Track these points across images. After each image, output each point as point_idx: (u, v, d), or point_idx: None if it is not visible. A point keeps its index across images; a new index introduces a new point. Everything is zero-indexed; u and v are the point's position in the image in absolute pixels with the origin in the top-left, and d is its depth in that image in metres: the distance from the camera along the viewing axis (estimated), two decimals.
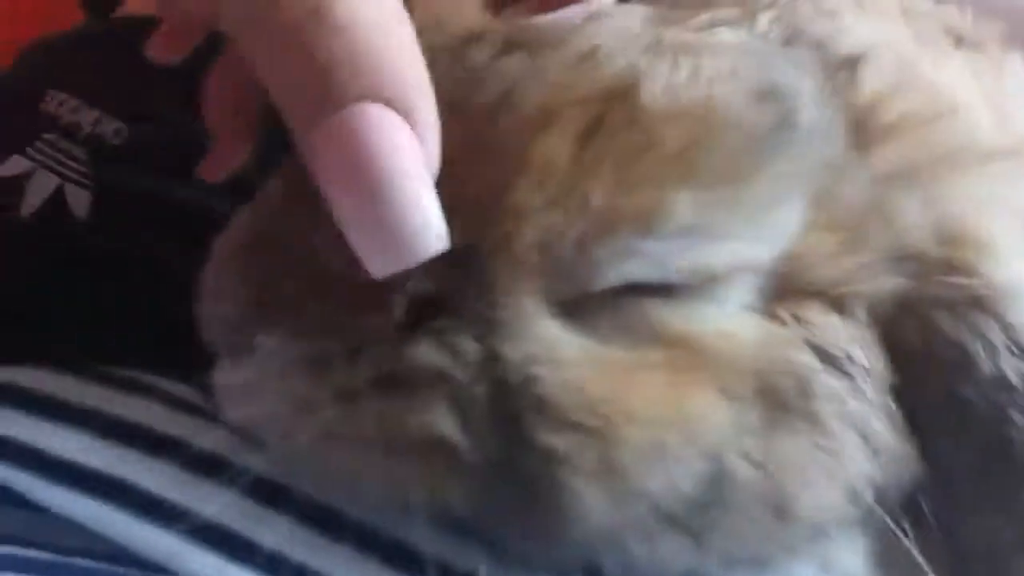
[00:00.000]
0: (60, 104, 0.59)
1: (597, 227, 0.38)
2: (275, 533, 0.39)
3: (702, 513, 0.38)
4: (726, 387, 0.39)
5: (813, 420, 0.39)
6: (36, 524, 0.40)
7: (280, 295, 0.39)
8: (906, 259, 0.42)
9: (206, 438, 0.41)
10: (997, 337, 0.41)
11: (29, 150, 0.58)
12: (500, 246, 0.38)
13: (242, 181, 0.47)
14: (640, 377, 0.38)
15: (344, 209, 0.34)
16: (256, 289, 0.39)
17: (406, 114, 0.34)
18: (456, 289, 0.38)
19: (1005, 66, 0.52)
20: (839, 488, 0.40)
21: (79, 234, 0.56)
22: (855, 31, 0.46)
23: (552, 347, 0.38)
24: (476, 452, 0.38)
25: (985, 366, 0.41)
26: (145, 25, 0.63)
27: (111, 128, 0.58)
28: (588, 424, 0.37)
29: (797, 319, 0.41)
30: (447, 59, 0.42)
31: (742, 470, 0.38)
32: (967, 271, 0.41)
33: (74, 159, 0.58)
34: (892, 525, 0.42)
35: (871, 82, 0.44)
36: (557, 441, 0.37)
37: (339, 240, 0.37)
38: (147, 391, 0.44)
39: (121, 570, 0.39)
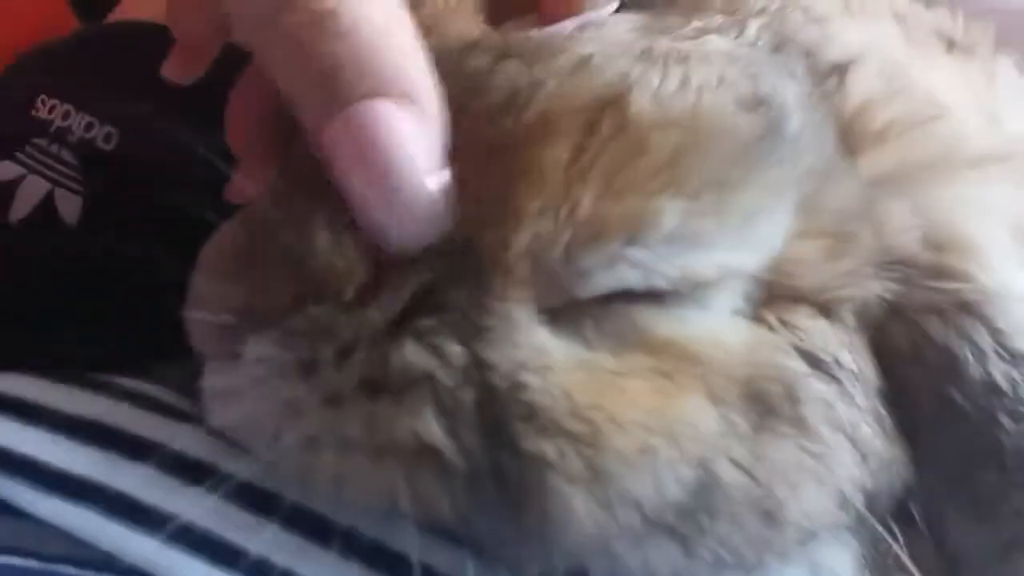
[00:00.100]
0: (51, 109, 0.59)
1: (585, 235, 0.38)
2: (261, 538, 0.39)
3: (690, 518, 0.38)
4: (714, 392, 0.39)
5: (801, 425, 0.40)
6: (20, 531, 0.39)
7: (267, 301, 0.39)
8: (895, 264, 0.42)
9: (192, 443, 0.41)
10: (986, 341, 0.41)
11: (19, 155, 0.58)
12: (496, 251, 0.38)
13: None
14: (628, 383, 0.38)
15: (359, 195, 0.37)
16: (243, 295, 0.39)
17: (415, 107, 0.37)
18: (448, 284, 0.38)
19: (996, 70, 0.52)
20: (828, 493, 0.41)
21: (69, 240, 0.56)
22: (844, 37, 0.46)
23: (540, 353, 0.38)
24: (463, 457, 0.38)
25: (974, 370, 0.41)
26: (137, 30, 0.64)
27: (102, 133, 0.58)
28: (576, 430, 0.37)
29: (785, 324, 0.41)
30: (446, 65, 0.42)
31: (730, 475, 0.38)
32: (956, 276, 0.42)
33: (64, 164, 0.58)
34: (881, 530, 0.42)
35: (860, 88, 0.44)
36: (545, 447, 0.37)
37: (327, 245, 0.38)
38: (133, 396, 0.44)
39: None
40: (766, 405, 0.39)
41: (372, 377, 0.38)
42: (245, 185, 0.48)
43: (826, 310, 0.41)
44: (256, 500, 0.40)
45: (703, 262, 0.39)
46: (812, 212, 0.41)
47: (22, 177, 0.58)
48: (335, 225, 0.39)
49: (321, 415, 0.38)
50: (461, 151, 0.39)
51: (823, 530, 0.42)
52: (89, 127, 0.58)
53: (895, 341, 0.42)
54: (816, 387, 0.40)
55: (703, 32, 0.45)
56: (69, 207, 0.57)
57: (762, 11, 0.47)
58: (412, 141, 0.37)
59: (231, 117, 0.49)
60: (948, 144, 0.44)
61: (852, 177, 0.42)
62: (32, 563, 0.39)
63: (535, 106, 0.39)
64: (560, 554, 0.39)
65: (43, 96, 0.59)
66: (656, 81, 0.40)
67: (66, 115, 0.59)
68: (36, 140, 0.58)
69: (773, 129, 0.40)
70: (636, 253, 0.38)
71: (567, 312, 0.39)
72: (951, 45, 0.53)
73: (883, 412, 0.42)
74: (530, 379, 0.38)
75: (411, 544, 0.38)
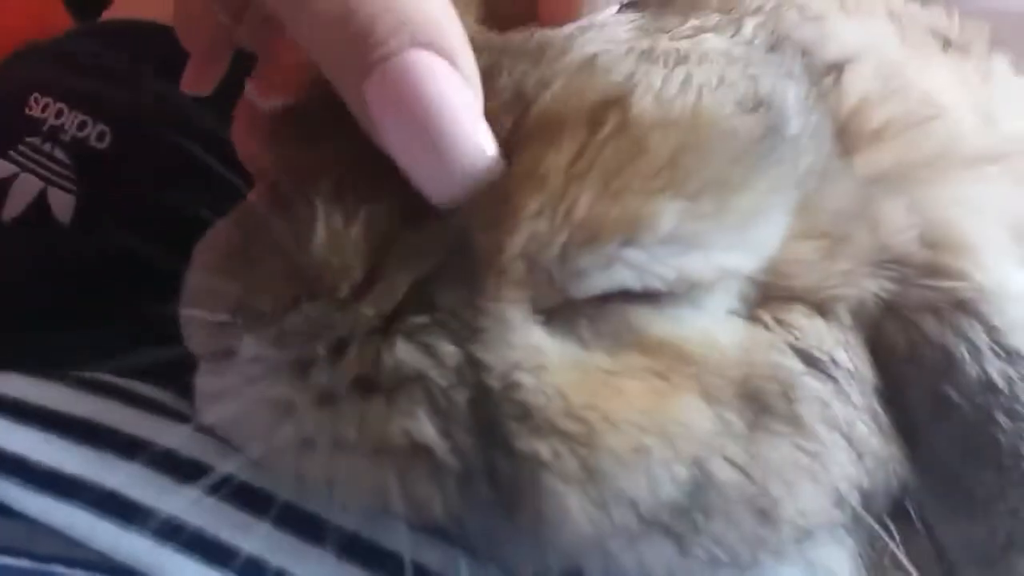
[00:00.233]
0: (44, 108, 0.59)
1: (582, 235, 0.38)
2: (254, 538, 0.39)
3: (685, 517, 0.38)
4: (709, 392, 0.39)
5: (797, 423, 0.39)
6: (11, 531, 0.39)
7: (261, 299, 0.39)
8: (891, 263, 0.42)
9: (185, 442, 0.40)
10: (981, 340, 0.41)
11: (12, 153, 0.58)
12: (492, 252, 0.38)
13: (227, 185, 0.47)
14: (623, 383, 0.38)
15: (404, 149, 0.37)
16: (237, 294, 0.39)
17: (449, 60, 0.37)
18: (442, 282, 0.38)
19: (992, 69, 0.52)
20: (824, 491, 0.40)
21: (62, 238, 0.56)
22: (840, 36, 0.46)
23: (534, 353, 0.38)
24: (456, 457, 0.38)
25: (970, 368, 0.41)
26: (130, 29, 0.63)
27: (95, 132, 0.58)
28: (570, 429, 0.37)
29: (780, 323, 0.41)
30: None
31: (725, 474, 0.38)
32: (952, 274, 0.42)
33: (58, 163, 0.57)
34: (878, 528, 0.41)
35: (856, 87, 0.44)
36: (539, 446, 0.37)
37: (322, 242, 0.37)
38: (126, 395, 0.44)
39: None
40: (761, 404, 0.39)
41: (365, 376, 0.38)
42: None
43: (822, 309, 0.41)
44: (249, 499, 0.40)
45: (700, 263, 0.39)
46: (809, 212, 0.41)
47: (15, 176, 0.57)
48: (331, 223, 0.38)
49: (314, 415, 0.38)
50: None
51: (819, 529, 0.41)
52: (82, 126, 0.58)
53: (891, 339, 0.42)
54: (812, 386, 0.40)
55: (700, 31, 0.45)
56: (62, 205, 0.57)
57: (758, 9, 0.46)
58: (455, 92, 0.37)
59: (236, 130, 0.48)
60: (944, 143, 0.44)
61: (848, 177, 0.42)
62: (24, 562, 0.38)
63: (539, 106, 0.39)
64: (554, 554, 0.39)
65: (36, 94, 0.59)
66: (659, 81, 0.40)
67: (59, 113, 0.59)
68: (29, 139, 0.58)
69: (773, 130, 0.40)
70: (632, 254, 0.38)
71: (562, 312, 0.39)
72: (947, 44, 0.53)
73: (879, 410, 0.42)
74: (524, 379, 0.38)
75: (404, 543, 0.38)
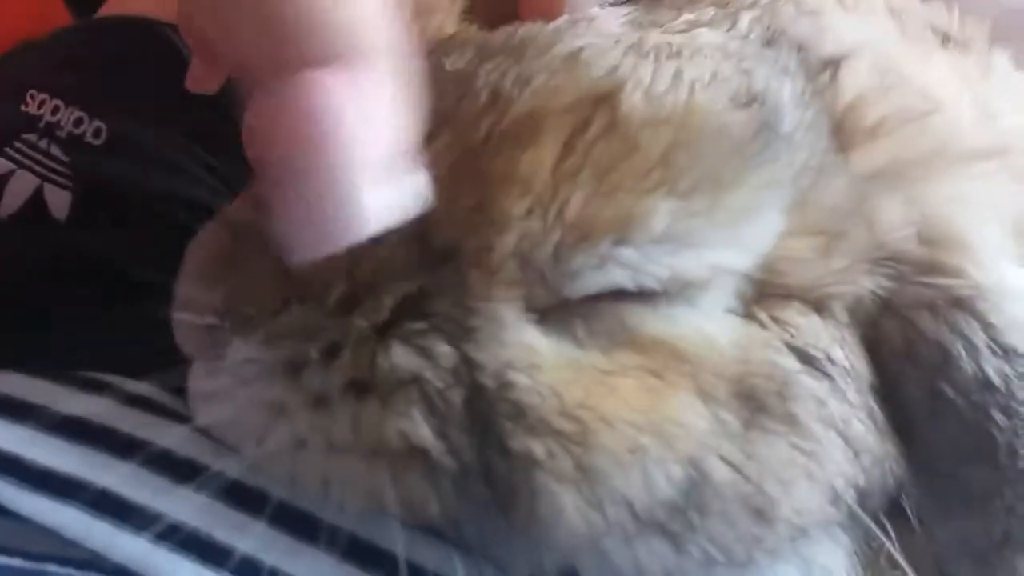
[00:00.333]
0: (41, 104, 0.59)
1: (574, 235, 0.38)
2: (249, 537, 0.39)
3: (680, 516, 0.38)
4: (704, 390, 0.39)
5: (792, 422, 0.39)
6: (6, 530, 0.39)
7: (252, 302, 0.38)
8: (887, 260, 0.42)
9: (181, 442, 0.40)
10: (979, 337, 0.41)
11: (8, 150, 0.58)
12: (480, 254, 0.38)
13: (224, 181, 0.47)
14: (617, 382, 0.38)
15: (277, 184, 0.32)
16: (229, 296, 0.39)
17: (362, 73, 0.32)
18: (433, 294, 0.38)
19: (991, 64, 0.51)
20: (820, 490, 0.40)
21: (58, 235, 0.56)
22: (837, 31, 0.46)
23: (529, 353, 0.38)
24: (451, 457, 0.38)
25: (967, 366, 0.41)
26: (127, 25, 0.63)
27: (92, 128, 0.58)
28: (564, 428, 0.37)
29: (776, 321, 0.40)
30: (426, 64, 0.41)
31: (720, 473, 0.38)
32: (949, 271, 0.41)
33: (54, 159, 0.57)
34: (874, 526, 0.41)
35: (853, 83, 0.43)
36: (533, 446, 0.37)
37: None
38: (122, 394, 0.44)
39: None
40: (757, 402, 0.39)
41: (359, 378, 0.38)
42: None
43: (818, 306, 0.41)
44: (244, 499, 0.40)
45: (694, 262, 0.39)
46: (804, 209, 0.41)
47: (11, 172, 0.57)
48: None
49: (308, 416, 0.38)
50: (449, 160, 0.39)
51: (815, 527, 0.41)
52: (79, 122, 0.58)
53: (888, 337, 0.42)
54: (808, 384, 0.40)
55: (694, 25, 0.45)
56: (58, 202, 0.57)
57: (753, 4, 0.46)
58: (350, 132, 0.32)
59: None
60: (942, 139, 0.44)
61: (845, 173, 0.42)
62: (17, 561, 0.38)
63: (520, 106, 0.39)
64: (550, 553, 0.39)
65: (32, 91, 0.59)
66: (648, 77, 0.40)
67: (55, 110, 0.58)
68: (25, 135, 0.58)
69: (766, 127, 0.40)
70: (625, 254, 0.38)
71: (556, 312, 0.39)
72: (946, 40, 0.52)
73: (875, 408, 0.42)
74: (518, 378, 0.38)
75: (399, 543, 0.38)
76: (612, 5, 0.45)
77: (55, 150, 0.57)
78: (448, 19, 0.43)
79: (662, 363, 0.39)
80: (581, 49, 0.41)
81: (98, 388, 0.44)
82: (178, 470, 0.40)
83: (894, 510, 0.42)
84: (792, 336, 0.40)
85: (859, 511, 0.41)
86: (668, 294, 0.39)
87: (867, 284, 0.42)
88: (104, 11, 0.68)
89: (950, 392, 0.41)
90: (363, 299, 0.38)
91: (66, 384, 0.44)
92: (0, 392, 0.43)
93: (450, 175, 0.38)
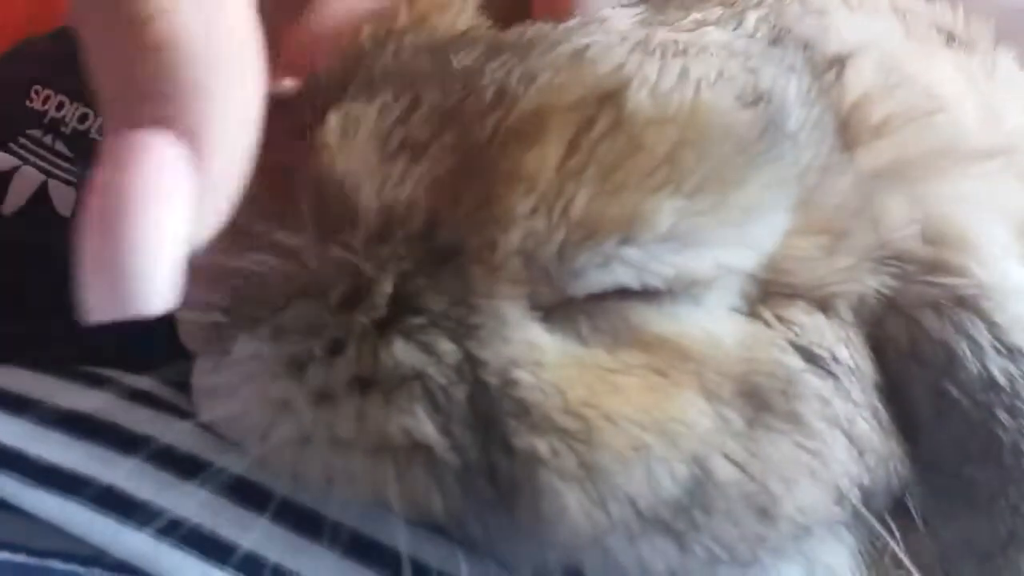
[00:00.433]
0: (45, 100, 0.59)
1: (579, 234, 0.38)
2: (253, 534, 0.39)
3: (685, 515, 0.38)
4: (708, 389, 0.39)
5: (797, 421, 0.39)
6: (10, 525, 0.39)
7: (257, 298, 0.38)
8: (892, 259, 0.42)
9: (184, 437, 0.40)
10: (983, 336, 0.41)
11: (13, 146, 0.58)
12: (484, 252, 0.38)
13: None
14: (622, 380, 0.38)
15: (86, 232, 0.31)
16: (233, 292, 0.39)
17: (195, 159, 0.31)
18: (437, 291, 0.38)
19: (996, 64, 0.51)
20: (824, 489, 0.40)
21: (63, 231, 0.56)
22: (843, 30, 0.46)
23: (533, 350, 0.38)
24: (455, 454, 0.37)
25: (971, 366, 0.41)
26: None
27: (96, 124, 0.58)
28: (568, 426, 0.37)
29: (781, 320, 0.40)
30: (433, 60, 0.41)
31: (724, 472, 0.38)
32: (953, 270, 0.41)
33: (58, 155, 0.57)
34: (878, 526, 0.41)
35: (858, 81, 0.43)
36: (537, 443, 0.37)
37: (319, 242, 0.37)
38: (126, 390, 0.44)
39: (99, 572, 0.39)
40: (761, 401, 0.39)
41: (362, 375, 0.38)
42: None
43: (823, 305, 0.41)
44: (248, 495, 0.40)
45: (699, 260, 0.39)
46: (809, 208, 0.41)
47: (16, 168, 0.57)
48: (321, 231, 0.38)
49: (312, 412, 0.38)
50: (454, 158, 0.39)
51: (819, 526, 0.41)
52: (83, 118, 0.58)
53: (892, 336, 0.42)
54: (812, 383, 0.40)
55: (701, 24, 0.45)
56: (63, 198, 0.57)
57: (760, 3, 0.46)
58: (169, 202, 0.31)
59: None
60: (947, 138, 0.44)
61: (850, 172, 0.42)
62: (21, 557, 0.39)
63: (525, 103, 0.39)
64: (554, 552, 0.39)
65: (37, 87, 0.59)
66: (654, 75, 0.40)
67: (60, 106, 0.58)
68: (30, 131, 0.58)
69: (773, 125, 0.40)
70: (630, 253, 0.38)
71: (561, 310, 0.39)
72: (951, 39, 0.52)
73: (880, 407, 0.41)
74: (522, 375, 0.37)
75: (402, 540, 0.38)
76: (624, 6, 0.45)
77: (60, 146, 0.58)
78: (460, 16, 0.43)
79: (666, 362, 0.39)
80: (587, 47, 0.41)
81: (99, 383, 0.44)
82: (181, 466, 0.40)
83: (898, 510, 0.42)
84: (797, 335, 0.40)
85: (863, 510, 0.41)
86: (673, 293, 0.39)
87: (872, 283, 0.42)
88: None
89: (955, 392, 0.41)
90: (366, 296, 0.38)
91: (70, 379, 0.44)
92: (4, 387, 0.43)
93: (454, 173, 0.38)
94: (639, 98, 0.38)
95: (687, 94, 0.39)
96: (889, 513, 0.42)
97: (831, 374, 0.40)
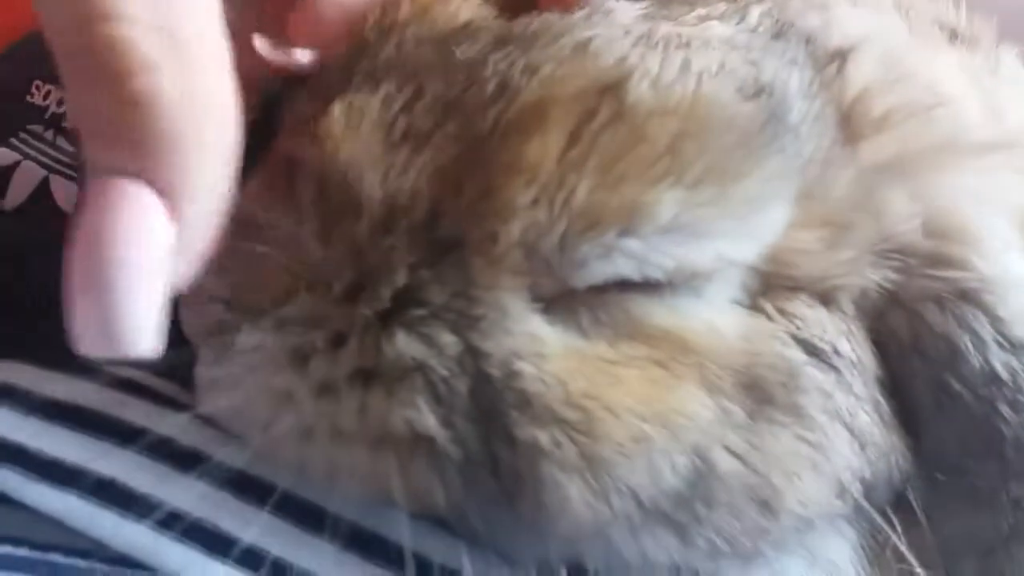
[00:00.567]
0: (47, 95, 0.59)
1: (581, 224, 0.38)
2: (253, 527, 0.39)
3: (686, 507, 0.38)
4: (710, 381, 0.39)
5: (798, 413, 0.39)
6: (11, 519, 0.39)
7: (260, 290, 0.38)
8: (894, 252, 0.42)
9: (185, 431, 0.40)
10: (986, 331, 0.41)
11: (14, 141, 0.58)
12: (485, 243, 0.38)
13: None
14: (623, 372, 0.38)
15: (73, 277, 0.32)
16: (236, 284, 0.39)
17: (172, 208, 0.32)
18: (438, 283, 0.38)
19: (999, 60, 0.51)
20: (825, 482, 0.40)
21: (64, 226, 0.56)
22: (845, 24, 0.46)
23: (535, 342, 0.38)
24: (457, 446, 0.37)
25: (974, 359, 0.41)
26: None
27: None
28: (570, 418, 0.37)
29: (783, 313, 0.40)
30: (436, 51, 0.41)
31: (726, 464, 0.38)
32: (956, 264, 0.41)
33: (60, 150, 0.57)
34: (880, 519, 0.41)
35: (860, 75, 0.43)
36: (539, 435, 0.37)
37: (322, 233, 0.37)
38: (128, 384, 0.44)
39: (100, 566, 0.39)
40: (763, 394, 0.39)
41: (365, 367, 0.38)
42: None
43: (825, 299, 0.41)
44: (249, 488, 0.40)
45: (700, 252, 0.39)
46: (811, 200, 0.41)
47: (17, 163, 0.57)
48: (324, 222, 0.38)
49: (314, 405, 0.38)
50: (455, 149, 0.39)
51: (821, 520, 0.41)
52: None
53: (894, 330, 0.42)
54: (814, 376, 0.40)
55: (705, 19, 0.45)
56: (64, 193, 0.57)
57: None
58: (150, 245, 0.32)
59: None
60: (949, 132, 0.44)
61: (852, 165, 0.42)
62: (22, 551, 0.39)
63: (527, 95, 0.39)
64: (555, 544, 0.39)
65: (38, 82, 0.59)
66: (656, 67, 0.40)
67: (61, 101, 0.58)
68: (31, 126, 0.58)
69: (774, 117, 0.40)
70: (631, 244, 0.38)
71: (562, 301, 0.39)
72: (954, 36, 0.52)
73: (882, 401, 0.42)
74: (524, 367, 0.37)
75: (404, 533, 0.38)
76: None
77: (61, 141, 0.58)
78: (463, 6, 0.43)
79: (668, 354, 0.39)
80: (590, 39, 0.41)
81: (104, 377, 0.44)
82: (182, 459, 0.40)
83: (900, 504, 0.42)
84: (798, 328, 0.40)
85: (865, 504, 0.41)
86: (674, 285, 0.39)
87: (874, 276, 0.42)
88: None
89: (957, 385, 0.41)
90: (369, 287, 0.38)
91: (71, 373, 0.44)
92: (5, 382, 0.43)
93: (456, 164, 0.38)
94: (640, 90, 0.38)
95: (689, 86, 0.39)
96: (891, 507, 0.42)
97: (833, 367, 0.40)
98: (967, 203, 0.42)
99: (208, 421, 0.41)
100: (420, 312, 0.38)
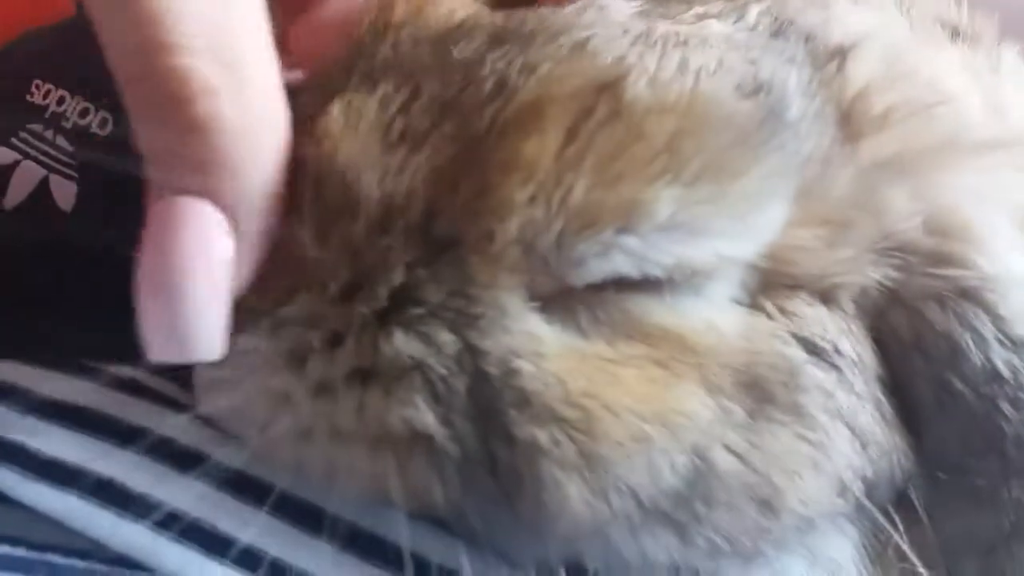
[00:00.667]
0: (46, 95, 0.59)
1: (578, 222, 0.38)
2: (252, 527, 0.39)
3: (686, 506, 0.38)
4: (709, 380, 0.38)
5: (799, 412, 0.39)
6: (9, 518, 0.39)
7: (258, 291, 0.38)
8: (894, 250, 0.42)
9: (184, 431, 0.40)
10: (987, 329, 0.41)
11: (14, 140, 0.57)
12: (482, 242, 0.38)
13: None
14: (622, 371, 0.38)
15: (144, 287, 0.35)
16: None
17: (232, 222, 0.36)
18: (436, 281, 0.38)
19: (1000, 58, 0.51)
20: (826, 481, 0.40)
21: (64, 226, 0.55)
22: (846, 21, 0.46)
23: (533, 341, 0.38)
24: (455, 444, 0.37)
25: (975, 357, 0.41)
26: None
27: (97, 119, 0.58)
28: (569, 416, 0.37)
29: (782, 311, 0.40)
30: (433, 51, 0.41)
31: (726, 463, 0.38)
32: (957, 262, 0.41)
33: (59, 150, 0.57)
34: (881, 518, 0.41)
35: (861, 72, 0.43)
36: (538, 433, 0.37)
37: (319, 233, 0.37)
38: (127, 384, 0.44)
39: (98, 566, 0.38)
40: (763, 393, 0.39)
41: (362, 366, 0.38)
42: None
43: (825, 297, 0.41)
44: (247, 488, 0.40)
45: (699, 250, 0.39)
46: (811, 198, 0.41)
47: (16, 163, 0.57)
48: (322, 222, 0.38)
49: (312, 405, 0.38)
50: (452, 148, 0.39)
51: (822, 519, 0.41)
52: (84, 113, 0.58)
53: (895, 328, 0.42)
54: (814, 374, 0.40)
55: (703, 17, 0.45)
56: (64, 193, 0.57)
57: None
58: (215, 257, 0.35)
59: None
60: (950, 130, 0.43)
61: (852, 163, 0.42)
62: (20, 551, 0.38)
63: (525, 94, 0.39)
64: (554, 542, 0.39)
65: (38, 81, 0.59)
66: (653, 65, 0.40)
67: (61, 100, 0.58)
68: (31, 126, 0.58)
69: (772, 115, 0.40)
70: (630, 241, 0.38)
71: (560, 300, 0.39)
72: (955, 33, 0.52)
73: (883, 399, 0.41)
74: (522, 365, 0.37)
75: (403, 533, 0.38)
76: None
77: (61, 141, 0.57)
78: (459, 5, 0.43)
79: (667, 353, 0.38)
80: (588, 38, 0.41)
81: (103, 377, 0.44)
82: (181, 459, 0.40)
83: (902, 502, 0.42)
84: (798, 327, 0.40)
85: (866, 503, 0.41)
86: (673, 283, 0.39)
87: (874, 275, 0.41)
88: None
89: (958, 384, 0.41)
90: (366, 287, 0.38)
91: (70, 373, 0.44)
92: (4, 381, 0.43)
93: (453, 164, 0.38)
94: (638, 87, 0.38)
95: (686, 84, 0.39)
96: (892, 506, 0.42)
97: (833, 366, 0.40)
98: (968, 201, 0.42)
99: (208, 421, 0.40)
100: (418, 311, 0.38)
